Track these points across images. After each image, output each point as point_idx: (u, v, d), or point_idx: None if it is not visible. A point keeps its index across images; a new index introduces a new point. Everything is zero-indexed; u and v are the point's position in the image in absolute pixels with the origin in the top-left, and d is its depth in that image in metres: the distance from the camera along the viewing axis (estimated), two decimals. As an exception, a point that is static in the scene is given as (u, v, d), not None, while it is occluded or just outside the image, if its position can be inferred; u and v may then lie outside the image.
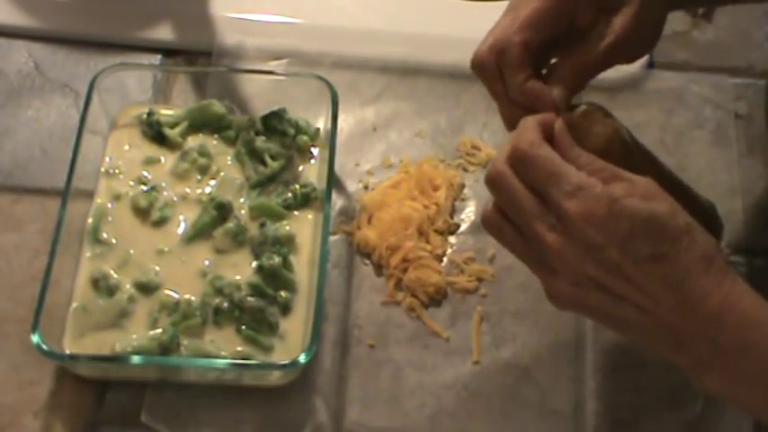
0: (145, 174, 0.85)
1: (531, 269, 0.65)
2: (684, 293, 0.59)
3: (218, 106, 0.87)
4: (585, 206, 0.60)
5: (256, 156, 0.85)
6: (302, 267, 0.80)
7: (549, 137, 0.64)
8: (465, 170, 0.90)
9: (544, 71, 0.70)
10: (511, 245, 0.66)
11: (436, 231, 0.85)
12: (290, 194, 0.84)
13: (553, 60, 0.70)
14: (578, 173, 0.61)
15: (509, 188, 0.63)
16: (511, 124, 0.69)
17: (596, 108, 0.68)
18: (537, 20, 0.67)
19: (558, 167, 0.61)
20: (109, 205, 0.82)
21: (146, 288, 0.78)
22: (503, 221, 0.65)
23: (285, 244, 0.80)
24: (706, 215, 0.76)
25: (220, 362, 0.74)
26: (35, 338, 0.71)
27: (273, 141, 0.86)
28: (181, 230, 0.82)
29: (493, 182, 0.64)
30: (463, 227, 0.86)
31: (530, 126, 0.64)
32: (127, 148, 0.86)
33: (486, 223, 0.66)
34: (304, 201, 0.83)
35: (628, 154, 0.67)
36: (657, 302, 0.60)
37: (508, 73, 0.67)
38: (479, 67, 0.69)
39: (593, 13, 0.68)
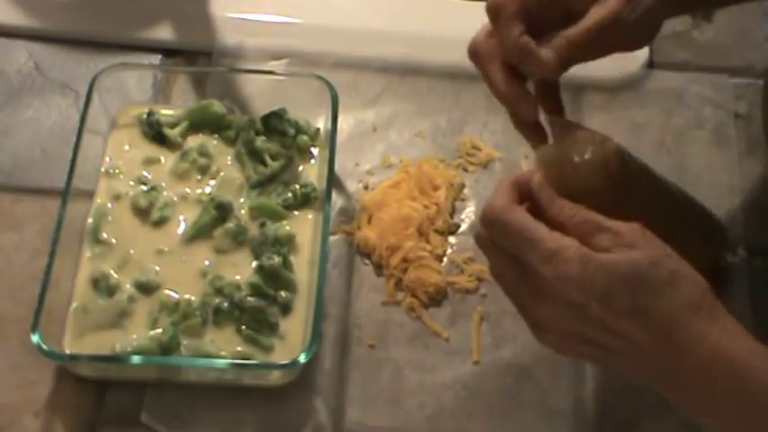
0: (145, 174, 0.85)
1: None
2: (671, 343, 0.59)
3: (218, 106, 0.87)
4: (560, 270, 0.60)
5: (256, 156, 0.85)
6: (302, 267, 0.80)
7: (525, 195, 0.65)
8: (465, 170, 0.90)
9: None
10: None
11: (436, 231, 0.85)
12: (290, 194, 0.84)
13: None
14: (552, 236, 0.61)
15: (491, 255, 0.66)
16: (514, 112, 0.70)
17: (587, 130, 0.68)
18: None
19: (531, 233, 0.62)
20: (109, 205, 0.82)
21: (146, 288, 0.78)
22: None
23: (285, 244, 0.80)
24: (708, 227, 0.75)
25: (220, 362, 0.74)
26: (35, 338, 0.71)
27: (273, 141, 0.86)
28: (181, 230, 0.82)
29: (479, 245, 0.67)
30: (463, 227, 0.86)
31: (503, 188, 0.64)
32: (127, 148, 0.86)
33: (491, 272, 0.68)
34: (304, 201, 0.83)
35: (621, 167, 0.66)
36: (645, 352, 0.60)
37: (504, 29, 0.67)
38: (475, 51, 0.69)
39: (586, 3, 0.68)
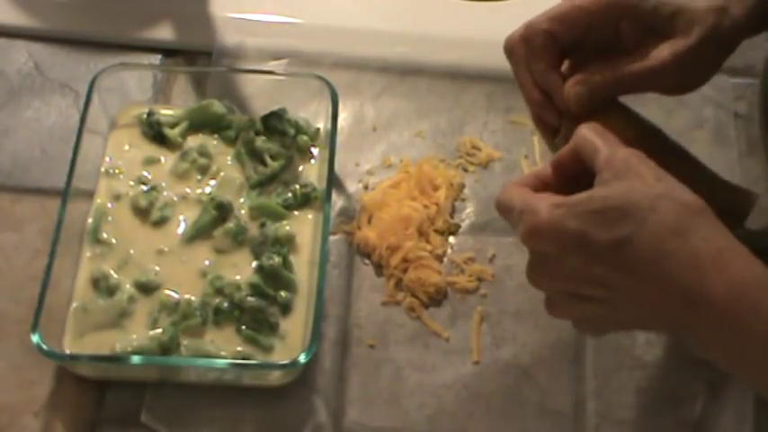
0: (145, 174, 0.85)
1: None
2: (660, 275, 0.56)
3: (218, 106, 0.87)
4: (529, 223, 0.60)
5: (256, 156, 0.85)
6: (302, 267, 0.80)
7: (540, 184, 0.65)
8: (465, 170, 0.90)
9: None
10: None
11: (436, 231, 0.85)
12: (290, 194, 0.84)
13: None
14: (523, 196, 0.61)
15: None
16: (536, 114, 0.72)
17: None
18: (571, 16, 0.67)
19: (509, 202, 0.62)
20: (109, 205, 0.83)
21: (146, 288, 0.78)
22: None
23: (285, 244, 0.80)
24: (729, 196, 0.75)
25: (220, 362, 0.74)
26: (35, 338, 0.71)
27: (273, 141, 0.86)
28: (181, 230, 0.82)
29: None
30: (463, 227, 0.86)
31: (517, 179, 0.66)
32: (127, 148, 0.86)
33: None
34: (304, 201, 0.83)
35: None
36: (626, 293, 0.58)
37: (531, 59, 0.68)
38: (509, 51, 0.70)
39: (638, 32, 0.67)
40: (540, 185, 0.64)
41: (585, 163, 0.62)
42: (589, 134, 0.62)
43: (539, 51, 0.67)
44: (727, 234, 0.57)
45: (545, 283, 0.63)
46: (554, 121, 0.70)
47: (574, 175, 0.63)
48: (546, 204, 0.59)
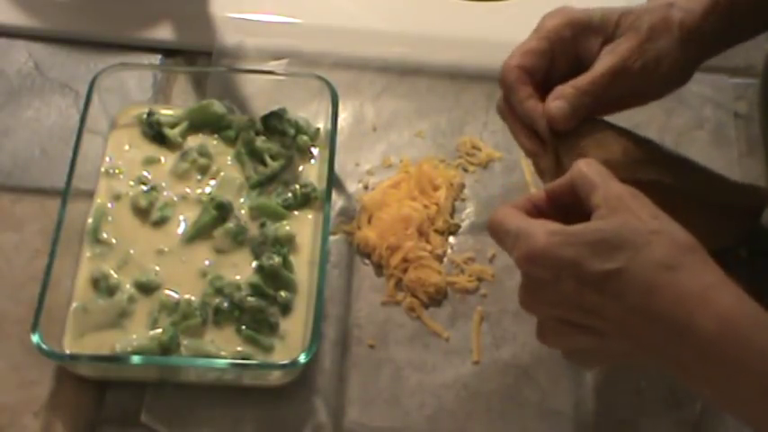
0: (145, 174, 0.85)
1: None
2: (649, 308, 0.57)
3: (218, 106, 0.87)
4: (524, 249, 0.60)
5: (256, 156, 0.85)
6: (302, 267, 0.80)
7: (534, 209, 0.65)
8: (465, 170, 0.90)
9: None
10: None
11: (436, 231, 0.85)
12: (290, 194, 0.84)
13: None
14: (519, 221, 0.62)
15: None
16: (528, 153, 0.72)
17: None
18: (535, 46, 0.68)
19: (502, 225, 0.63)
20: (109, 205, 0.83)
21: (146, 288, 0.78)
22: None
23: (285, 244, 0.80)
24: (733, 195, 0.74)
25: (220, 362, 0.74)
26: (35, 338, 0.71)
27: (273, 141, 0.86)
28: (181, 230, 0.82)
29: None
30: (463, 227, 0.86)
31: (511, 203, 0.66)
32: (127, 148, 0.86)
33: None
34: (304, 201, 0.83)
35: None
36: (624, 327, 0.58)
37: (510, 94, 0.69)
38: (499, 109, 0.72)
39: (596, 46, 0.68)
40: (534, 210, 0.64)
41: (581, 197, 0.62)
42: (587, 170, 0.63)
43: (514, 86, 0.69)
44: (717, 271, 0.58)
45: (538, 308, 0.63)
46: (552, 167, 0.70)
47: (568, 204, 0.64)
48: (543, 231, 0.60)
